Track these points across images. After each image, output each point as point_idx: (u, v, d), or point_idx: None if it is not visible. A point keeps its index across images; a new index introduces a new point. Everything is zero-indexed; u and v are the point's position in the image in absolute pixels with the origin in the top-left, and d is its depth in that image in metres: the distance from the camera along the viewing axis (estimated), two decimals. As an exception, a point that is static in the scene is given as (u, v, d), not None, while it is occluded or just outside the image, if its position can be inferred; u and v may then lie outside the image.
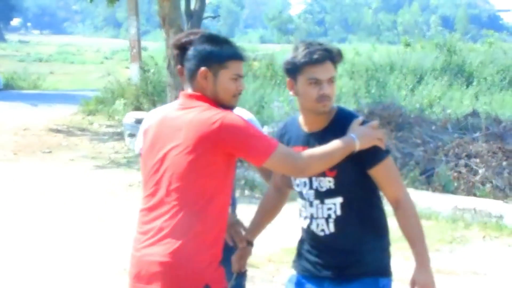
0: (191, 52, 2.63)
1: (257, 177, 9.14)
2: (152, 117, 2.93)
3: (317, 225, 2.79)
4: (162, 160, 2.58)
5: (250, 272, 5.76)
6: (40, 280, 5.55)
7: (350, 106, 12.71)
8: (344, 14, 79.68)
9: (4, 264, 5.93)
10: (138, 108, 15.12)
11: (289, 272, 4.46)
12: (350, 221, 2.74)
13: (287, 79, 2.75)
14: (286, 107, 11.60)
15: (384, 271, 2.84)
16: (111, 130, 14.15)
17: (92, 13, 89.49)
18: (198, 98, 2.60)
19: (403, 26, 73.87)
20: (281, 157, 2.54)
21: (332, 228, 2.76)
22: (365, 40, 38.92)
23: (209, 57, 2.60)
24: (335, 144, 2.60)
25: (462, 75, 17.05)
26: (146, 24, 59.07)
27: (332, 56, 2.67)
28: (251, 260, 5.96)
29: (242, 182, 9.15)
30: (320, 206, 2.76)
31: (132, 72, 17.34)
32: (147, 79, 15.36)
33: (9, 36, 63.52)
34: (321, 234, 2.78)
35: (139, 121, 14.40)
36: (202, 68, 2.59)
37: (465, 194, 8.24)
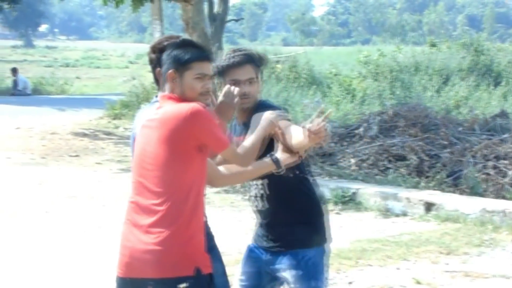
0: (164, 57, 2.93)
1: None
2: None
3: (257, 203, 3.28)
4: (147, 156, 2.81)
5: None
6: (69, 282, 5.58)
7: (375, 108, 12.61)
8: (368, 15, 79.20)
9: (32, 265, 5.97)
10: (163, 112, 15.18)
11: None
12: (277, 199, 3.21)
13: (219, 80, 3.24)
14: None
15: (306, 243, 3.20)
16: (136, 134, 14.18)
17: (117, 18, 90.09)
18: (169, 98, 2.89)
19: (428, 26, 73.28)
20: (232, 152, 2.92)
21: (266, 204, 3.25)
22: (389, 41, 38.71)
23: (175, 60, 2.88)
24: (255, 134, 3.04)
25: (490, 75, 16.84)
26: (170, 28, 59.34)
27: (253, 60, 3.17)
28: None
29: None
30: (255, 186, 3.26)
31: (157, 76, 17.41)
32: (172, 83, 15.37)
33: (37, 42, 64.21)
34: (261, 209, 3.28)
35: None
36: (170, 71, 2.88)
37: (493, 197, 8.12)
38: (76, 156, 11.87)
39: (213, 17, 19.32)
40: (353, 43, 57.78)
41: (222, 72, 3.18)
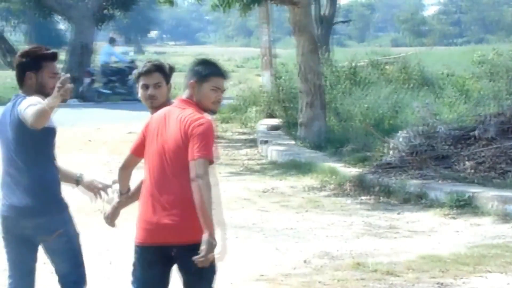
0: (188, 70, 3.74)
1: (392, 182, 8.88)
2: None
3: None
4: (165, 145, 3.50)
5: (390, 280, 5.60)
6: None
7: (491, 109, 12.11)
8: (481, 13, 76.52)
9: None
10: (270, 115, 15.21)
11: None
12: None
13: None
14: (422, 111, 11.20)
15: None
16: (244, 137, 14.32)
17: (224, 23, 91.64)
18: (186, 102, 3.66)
19: (547, 24, 69.80)
20: None
21: None
22: (504, 40, 37.25)
23: (196, 73, 3.65)
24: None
25: None
26: (277, 31, 59.66)
27: (160, 69, 4.04)
28: (390, 268, 5.81)
29: (377, 188, 8.91)
30: None
31: (264, 80, 17.50)
32: (279, 86, 15.42)
33: (147, 48, 66.26)
34: None
35: (272, 128, 14.49)
36: (191, 81, 3.64)
37: None
38: (187, 159, 12.08)
39: (321, 20, 19.24)
40: (466, 43, 55.95)
41: (138, 78, 4.05)
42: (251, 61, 41.77)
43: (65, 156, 12.62)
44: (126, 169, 3.78)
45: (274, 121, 14.63)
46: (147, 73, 4.04)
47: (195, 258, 3.35)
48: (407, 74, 16.34)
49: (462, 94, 13.79)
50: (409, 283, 5.53)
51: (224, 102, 19.10)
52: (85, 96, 22.02)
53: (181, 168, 3.43)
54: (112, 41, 21.97)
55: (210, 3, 13.16)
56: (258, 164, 11.42)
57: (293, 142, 12.57)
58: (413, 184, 8.68)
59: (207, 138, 3.45)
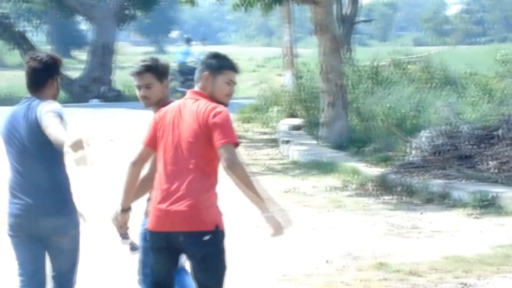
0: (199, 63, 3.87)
1: (415, 182, 8.84)
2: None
3: None
4: (181, 136, 3.57)
5: (413, 281, 5.57)
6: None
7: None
8: (504, 12, 75.78)
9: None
10: (292, 115, 15.20)
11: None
12: None
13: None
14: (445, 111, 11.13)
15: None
16: (265, 137, 14.33)
17: (245, 23, 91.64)
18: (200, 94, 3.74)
19: None
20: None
21: None
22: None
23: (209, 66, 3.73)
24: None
25: None
26: (298, 31, 59.47)
27: (151, 69, 4.04)
28: (413, 268, 5.79)
29: (399, 188, 8.86)
30: None
31: (286, 80, 17.48)
32: (301, 86, 15.39)
33: (167, 48, 66.42)
34: None
35: (293, 128, 14.48)
36: (205, 73, 3.71)
37: None
38: (208, 158, 12.10)
39: (342, 19, 19.17)
40: (489, 42, 55.44)
41: (134, 78, 4.11)
42: (273, 60, 41.69)
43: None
44: (137, 165, 3.75)
45: (296, 121, 14.62)
46: (138, 74, 4.07)
47: (270, 234, 3.59)
48: (430, 74, 16.24)
49: (485, 93, 13.68)
50: (432, 284, 5.50)
51: (246, 102, 19.21)
52: (107, 96, 22.16)
53: (196, 159, 3.54)
54: (188, 41, 22.65)
55: (231, 2, 13.17)
56: (279, 164, 11.41)
57: (315, 142, 12.55)
58: (436, 184, 8.63)
59: (228, 124, 3.57)
